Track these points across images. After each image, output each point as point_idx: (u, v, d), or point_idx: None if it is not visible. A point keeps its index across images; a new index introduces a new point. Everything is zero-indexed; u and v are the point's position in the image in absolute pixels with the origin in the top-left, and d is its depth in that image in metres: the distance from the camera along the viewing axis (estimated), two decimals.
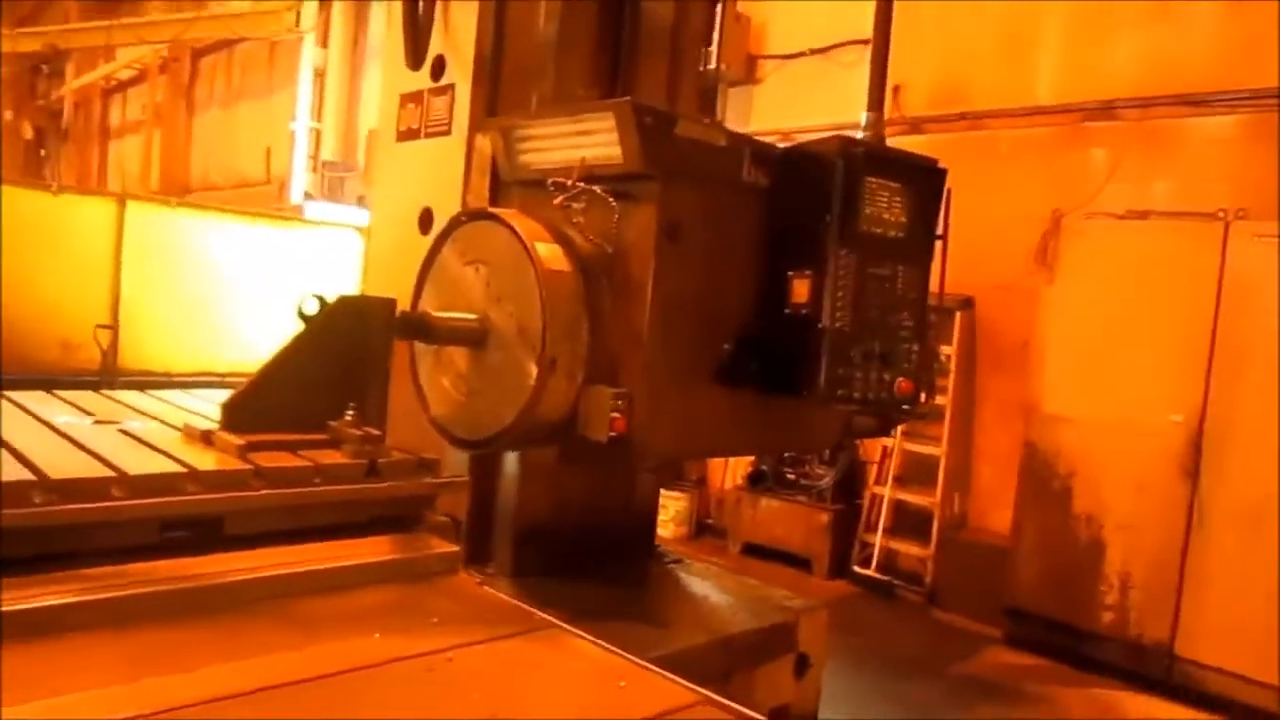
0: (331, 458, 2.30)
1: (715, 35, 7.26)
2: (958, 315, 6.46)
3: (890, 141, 6.72)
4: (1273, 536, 4.70)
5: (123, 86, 18.47)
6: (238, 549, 2.02)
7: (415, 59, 3.09)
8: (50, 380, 3.37)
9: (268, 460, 2.21)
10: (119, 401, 2.96)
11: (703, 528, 7.94)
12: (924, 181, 2.66)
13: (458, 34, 3.06)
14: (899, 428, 6.61)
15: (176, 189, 15.28)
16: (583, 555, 2.99)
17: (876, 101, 3.13)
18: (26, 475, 1.87)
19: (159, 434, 2.44)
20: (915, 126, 6.91)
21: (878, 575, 6.67)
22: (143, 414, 2.74)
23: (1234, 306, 4.88)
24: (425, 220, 3.05)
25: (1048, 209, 5.68)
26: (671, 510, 7.69)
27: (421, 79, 3.14)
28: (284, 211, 10.27)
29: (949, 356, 6.47)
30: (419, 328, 2.39)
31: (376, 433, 2.40)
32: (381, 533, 2.28)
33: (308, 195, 11.17)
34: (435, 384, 2.52)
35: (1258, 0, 5.34)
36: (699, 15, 3.45)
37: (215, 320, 5.28)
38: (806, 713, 3.05)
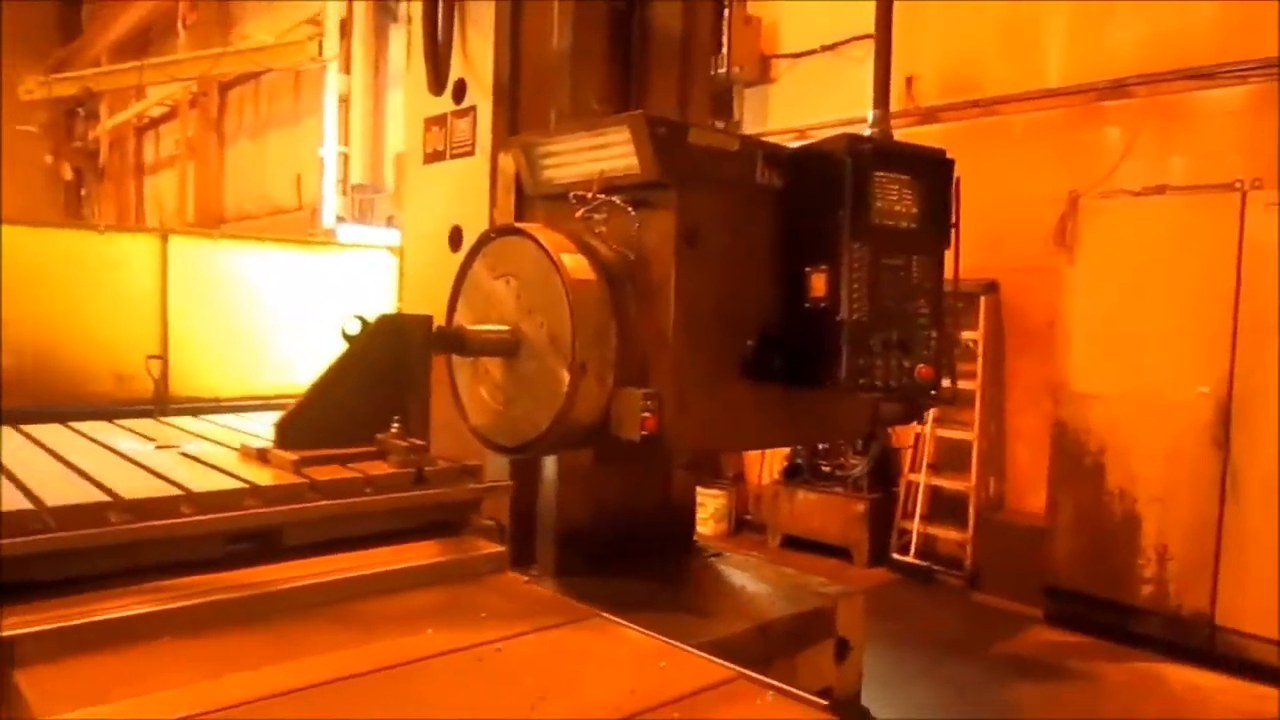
0: (380, 468, 2.43)
1: (724, 40, 7.39)
2: (982, 300, 6.49)
3: (906, 132, 6.87)
4: None
5: (155, 123, 18.90)
6: (296, 558, 2.15)
7: (437, 84, 3.23)
8: (109, 411, 3.54)
9: (321, 473, 2.35)
10: (175, 427, 3.13)
11: (742, 523, 8.01)
12: (933, 173, 2.74)
13: (476, 58, 3.19)
14: (930, 414, 6.66)
15: (212, 219, 15.64)
16: (623, 553, 3.09)
17: (882, 98, 3.22)
18: (102, 497, 2.02)
19: (217, 454, 2.60)
20: (930, 116, 6.96)
21: (917, 561, 6.71)
22: (199, 437, 2.90)
23: (1255, 276, 4.88)
24: (455, 238, 3.18)
25: (1065, 190, 5.70)
26: (710, 508, 7.78)
27: (444, 103, 3.27)
28: (317, 236, 10.53)
29: (975, 341, 6.50)
30: (455, 341, 2.51)
31: (421, 443, 2.53)
32: (430, 537, 2.40)
33: (339, 218, 11.39)
34: (473, 394, 2.63)
35: None
36: (705, 23, 3.54)
37: (258, 345, 5.46)
38: (849, 695, 3.12)
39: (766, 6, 8.01)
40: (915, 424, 6.80)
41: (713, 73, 4.95)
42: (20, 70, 16.26)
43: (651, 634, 1.95)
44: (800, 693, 1.69)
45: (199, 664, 1.69)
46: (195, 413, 3.71)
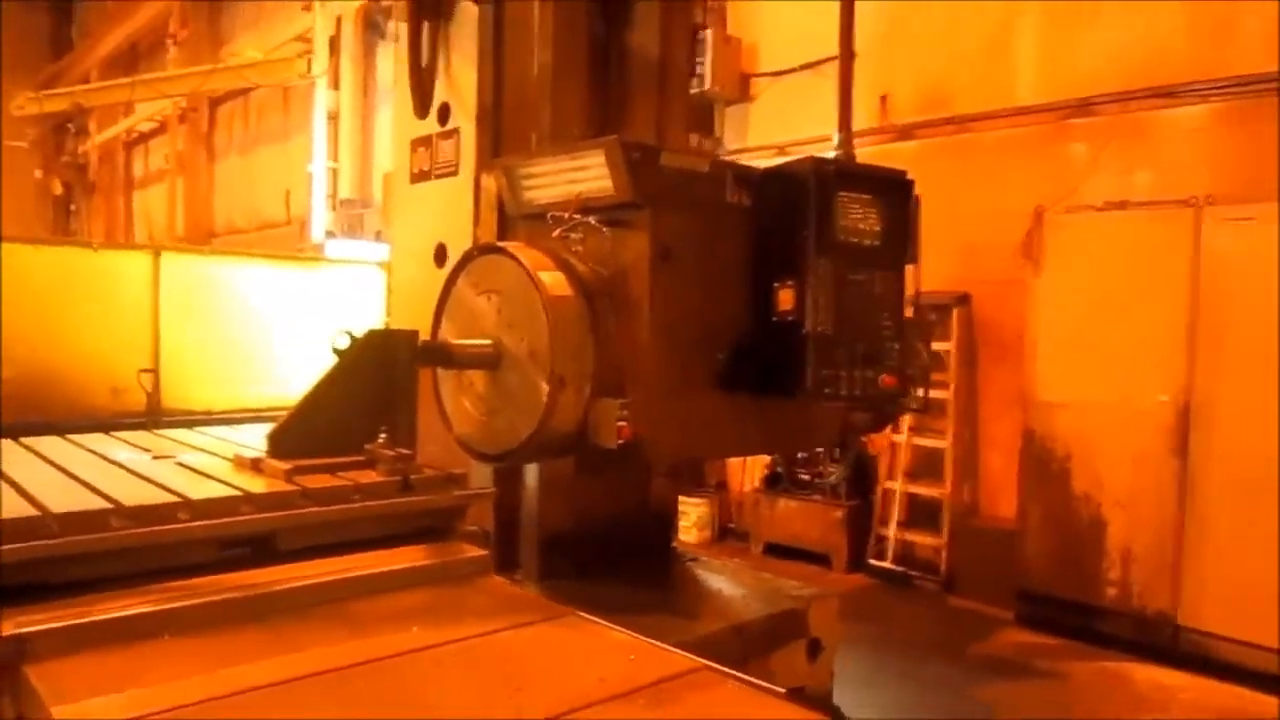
0: (369, 477, 2.55)
1: (705, 61, 7.55)
2: (955, 311, 6.65)
3: (882, 149, 7.04)
4: (1264, 505, 4.85)
5: (144, 138, 18.95)
6: (290, 561, 2.26)
7: (422, 108, 3.35)
8: (105, 423, 3.65)
9: (312, 482, 2.47)
10: (170, 438, 3.23)
11: (725, 531, 8.13)
12: (894, 192, 2.87)
13: (459, 82, 3.31)
14: (906, 424, 6.80)
15: (201, 234, 15.69)
16: (604, 558, 3.18)
17: (845, 122, 3.36)
18: (104, 504, 2.13)
19: (212, 464, 2.71)
20: (905, 133, 7.14)
21: (894, 567, 6.84)
22: (193, 448, 3.01)
23: (1211, 288, 5.05)
24: (440, 255, 3.29)
25: (1034, 205, 5.87)
26: (693, 516, 7.90)
27: (429, 125, 3.38)
28: (306, 250, 10.62)
29: (949, 352, 6.65)
30: (439, 355, 2.60)
31: (408, 452, 2.65)
32: (417, 542, 2.52)
33: (329, 233, 11.48)
34: (458, 405, 2.71)
35: None
36: (682, 47, 3.63)
37: (249, 359, 5.55)
38: (821, 693, 3.23)
39: (746, 27, 8.17)
40: (892, 433, 6.95)
41: (691, 93, 5.09)
42: (11, 86, 16.32)
43: (622, 629, 2.07)
44: (758, 681, 1.82)
45: (198, 659, 1.79)
46: (189, 425, 3.82)
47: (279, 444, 2.67)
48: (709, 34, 7.62)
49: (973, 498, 6.84)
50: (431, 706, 1.67)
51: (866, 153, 6.54)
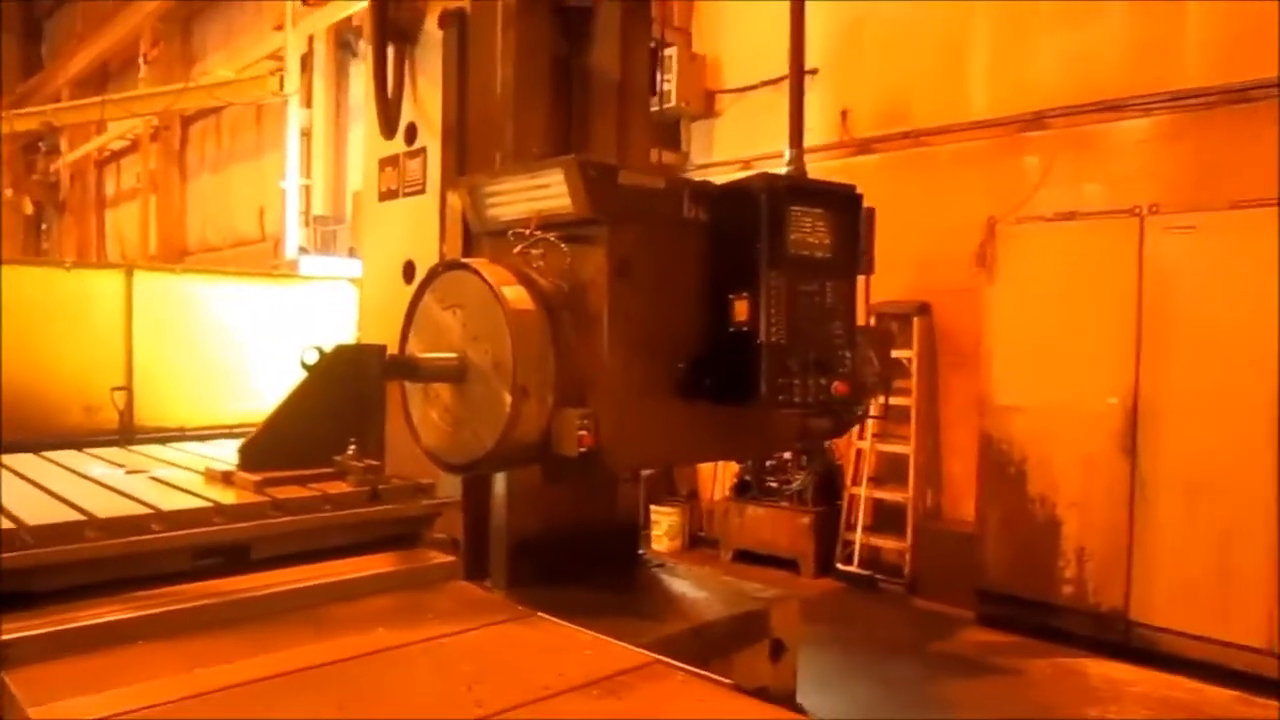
0: (338, 487, 2.63)
1: (671, 77, 7.68)
2: (915, 320, 6.81)
3: (843, 163, 7.20)
4: (1208, 503, 5.03)
5: (116, 156, 18.84)
6: (264, 569, 2.34)
7: (389, 129, 3.43)
8: (79, 440, 3.70)
9: (282, 493, 2.55)
10: (143, 454, 3.30)
11: (696, 539, 8.22)
12: (844, 206, 2.99)
13: (425, 103, 3.40)
14: (870, 431, 6.94)
15: (175, 252, 15.62)
16: (572, 564, 3.25)
17: (796, 139, 3.47)
18: (78, 517, 2.20)
19: (184, 478, 2.78)
20: (864, 147, 7.31)
21: (860, 570, 6.96)
22: (166, 463, 3.08)
23: (1155, 294, 5.23)
24: (408, 271, 3.37)
25: (988, 216, 6.04)
26: (665, 524, 7.99)
27: (397, 144, 3.47)
28: (280, 267, 10.64)
29: (910, 360, 6.80)
30: (406, 368, 2.69)
31: (377, 463, 2.73)
32: (387, 550, 2.60)
33: (302, 249, 11.50)
34: (425, 417, 2.77)
35: (1161, 1, 5.75)
36: (641, 67, 3.72)
37: (222, 376, 5.58)
38: (784, 694, 3.32)
39: (711, 44, 8.34)
40: (856, 439, 7.09)
41: (656, 109, 5.21)
42: None
43: (579, 628, 2.16)
44: (707, 674, 1.92)
45: (173, 662, 1.87)
46: (162, 441, 3.88)
47: (250, 457, 2.74)
48: (674, 51, 7.76)
49: (935, 501, 6.98)
50: (396, 702, 1.75)
51: (828, 166, 6.76)
